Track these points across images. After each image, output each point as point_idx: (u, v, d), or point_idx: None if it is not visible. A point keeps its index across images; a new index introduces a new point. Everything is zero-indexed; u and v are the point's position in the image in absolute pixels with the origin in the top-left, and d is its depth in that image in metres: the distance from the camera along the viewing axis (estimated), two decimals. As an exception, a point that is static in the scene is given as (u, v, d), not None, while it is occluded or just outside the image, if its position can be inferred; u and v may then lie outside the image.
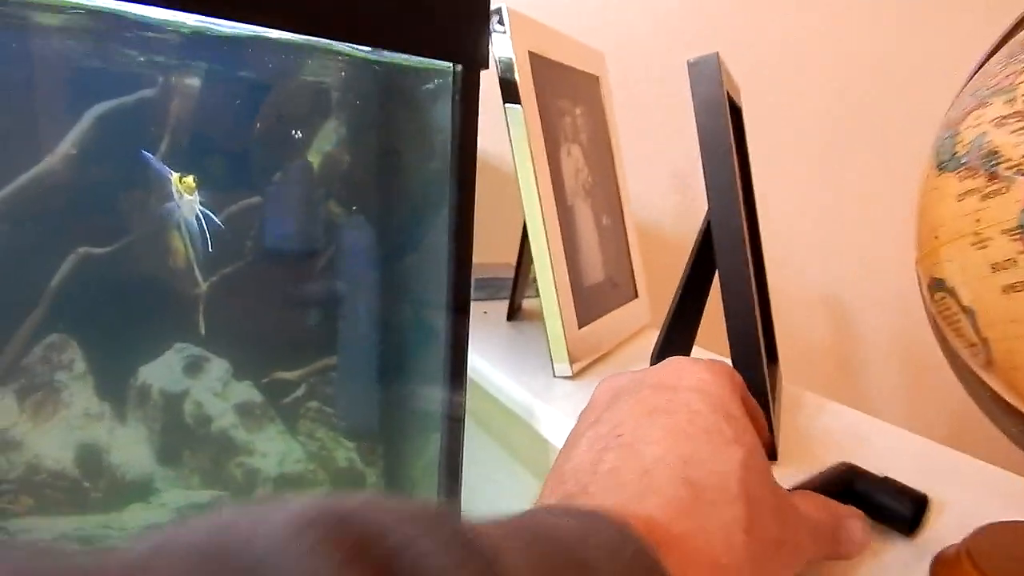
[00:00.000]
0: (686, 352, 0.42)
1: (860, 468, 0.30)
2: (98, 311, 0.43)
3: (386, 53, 0.38)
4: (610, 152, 0.66)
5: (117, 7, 0.31)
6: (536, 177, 0.48)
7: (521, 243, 0.63)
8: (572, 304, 0.50)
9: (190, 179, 0.39)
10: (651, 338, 0.62)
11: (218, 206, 0.46)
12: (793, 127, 1.11)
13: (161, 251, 0.45)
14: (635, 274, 0.66)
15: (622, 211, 0.66)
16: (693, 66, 0.34)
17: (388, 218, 0.50)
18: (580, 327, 0.51)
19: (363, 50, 0.39)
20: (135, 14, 0.33)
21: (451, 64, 0.34)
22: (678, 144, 1.00)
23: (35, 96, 0.38)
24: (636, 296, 0.65)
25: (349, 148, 0.49)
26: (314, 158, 0.49)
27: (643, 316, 0.66)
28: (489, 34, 0.34)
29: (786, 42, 1.07)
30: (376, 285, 0.51)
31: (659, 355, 0.39)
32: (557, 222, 0.50)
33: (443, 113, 0.38)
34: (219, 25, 0.34)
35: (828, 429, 0.44)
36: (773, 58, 1.07)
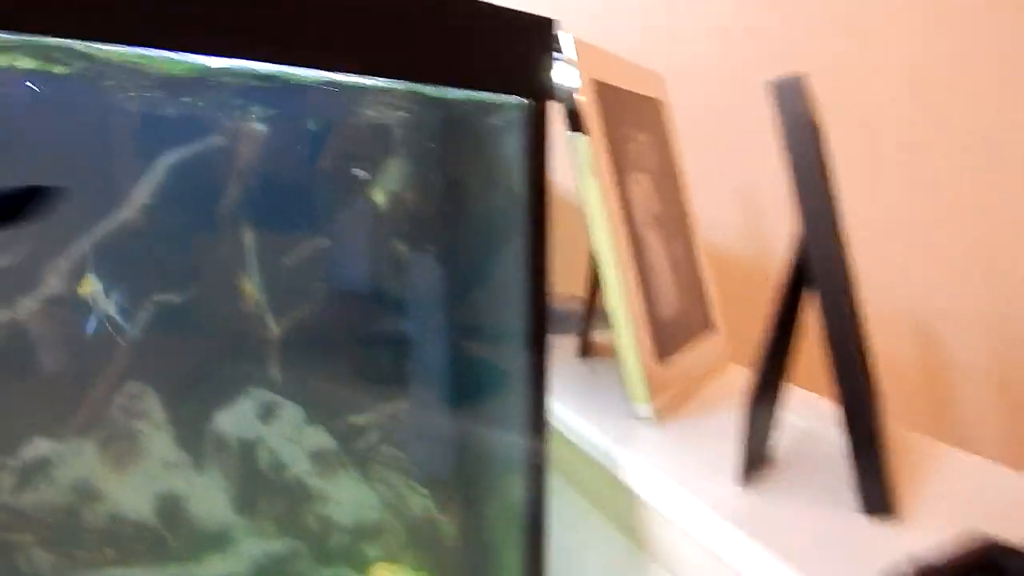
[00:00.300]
0: (778, 392, 0.39)
1: (1005, 543, 0.26)
2: (174, 358, 0.43)
3: (452, 90, 0.38)
4: (676, 178, 0.64)
5: (189, 59, 0.32)
6: (605, 207, 0.47)
7: (590, 275, 0.61)
8: (649, 338, 0.48)
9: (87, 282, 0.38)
10: (733, 374, 0.59)
11: (286, 249, 0.46)
12: (869, 139, 1.06)
13: (233, 296, 0.45)
14: (710, 305, 0.63)
15: (692, 240, 0.64)
16: (777, 87, 0.32)
17: (458, 256, 0.50)
18: (658, 362, 0.49)
19: (429, 88, 0.39)
20: (202, 65, 0.34)
21: (519, 99, 0.33)
22: (740, 162, 0.97)
23: (108, 146, 0.39)
24: (713, 328, 0.63)
25: (416, 186, 0.49)
26: (380, 197, 0.49)
27: (722, 350, 0.63)
28: (554, 66, 0.33)
29: (857, 54, 1.04)
30: (447, 325, 0.50)
31: (754, 396, 0.37)
32: (629, 252, 0.49)
33: (511, 147, 0.37)
34: (287, 71, 0.34)
35: (945, 477, 0.40)
36: (847, 73, 1.03)
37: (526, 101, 0.33)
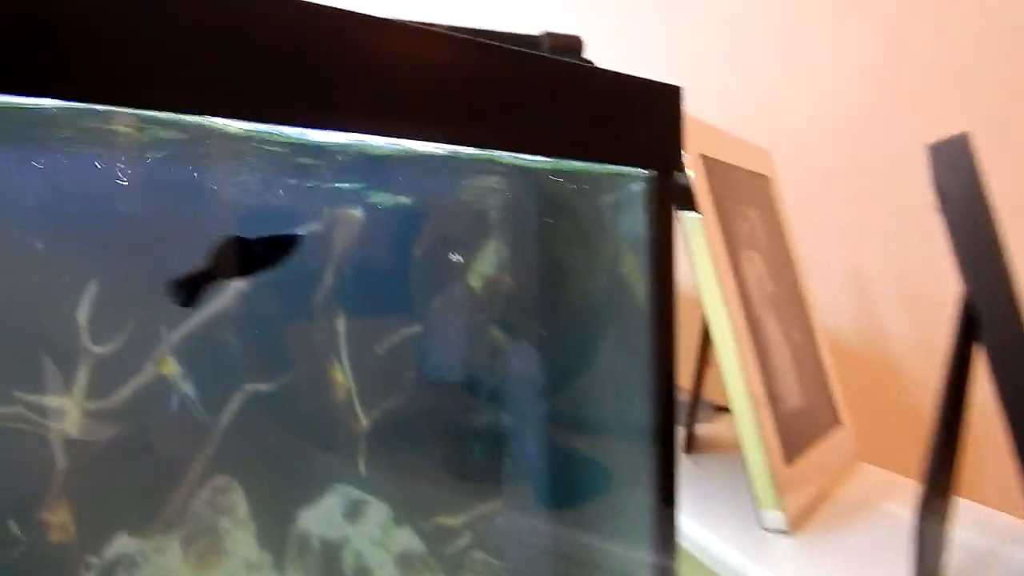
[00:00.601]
0: (949, 504, 0.33)
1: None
2: (260, 450, 0.41)
3: (571, 162, 0.35)
4: (789, 258, 0.60)
5: (281, 133, 0.31)
6: (722, 287, 0.43)
7: (697, 363, 0.57)
8: (775, 433, 0.43)
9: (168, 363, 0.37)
10: (865, 475, 0.52)
11: (378, 336, 0.44)
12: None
13: (324, 385, 0.43)
14: (834, 396, 0.57)
15: (810, 323, 0.59)
16: (936, 151, 0.29)
17: (562, 343, 0.46)
18: (786, 462, 0.44)
19: (539, 160, 0.37)
20: (301, 140, 0.33)
21: (643, 170, 0.31)
22: (853, 242, 0.91)
23: (203, 230, 0.38)
24: (839, 422, 0.56)
25: (516, 269, 0.47)
26: (476, 281, 0.47)
27: (849, 446, 0.56)
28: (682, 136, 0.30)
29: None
30: (548, 418, 0.46)
31: (924, 507, 0.31)
32: (748, 337, 0.44)
33: (627, 223, 0.35)
34: (403, 146, 0.32)
35: None
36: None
37: (650, 172, 0.30)
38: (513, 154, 0.30)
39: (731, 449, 0.58)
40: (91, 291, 0.33)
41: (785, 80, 0.91)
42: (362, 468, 0.43)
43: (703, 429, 0.62)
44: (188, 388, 0.37)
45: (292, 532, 0.42)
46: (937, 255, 0.91)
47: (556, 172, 0.38)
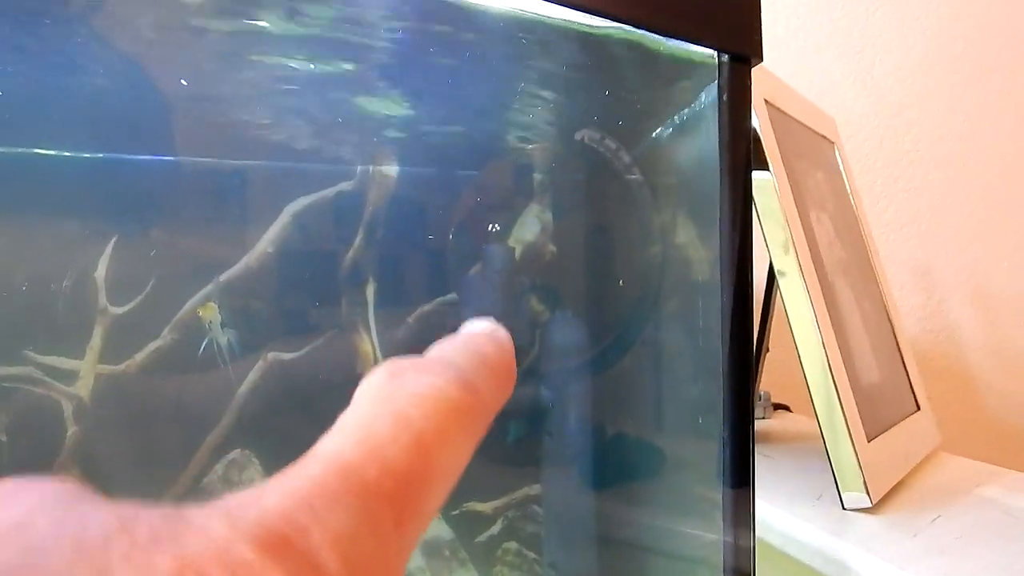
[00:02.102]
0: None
1: None
2: (283, 424, 0.39)
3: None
4: (858, 228, 0.56)
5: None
6: (795, 247, 0.40)
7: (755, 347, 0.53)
8: (856, 411, 0.39)
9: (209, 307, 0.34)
10: (952, 464, 0.47)
11: (409, 305, 0.41)
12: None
13: (349, 355, 0.41)
14: (912, 379, 0.53)
15: (882, 298, 0.55)
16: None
17: (611, 306, 0.43)
18: (868, 443, 0.40)
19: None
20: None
21: (716, 54, 0.27)
22: (919, 236, 0.87)
23: (235, 192, 0.36)
24: (918, 408, 0.52)
25: (558, 228, 0.44)
26: (517, 247, 0.45)
27: (932, 436, 0.52)
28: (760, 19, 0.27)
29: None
30: (594, 395, 0.43)
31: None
32: (824, 304, 0.41)
33: (700, 144, 0.31)
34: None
35: None
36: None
37: (724, 57, 0.27)
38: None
39: (795, 442, 0.54)
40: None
41: (851, 66, 0.87)
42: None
43: (760, 426, 0.58)
44: (221, 339, 0.35)
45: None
46: (1009, 250, 0.86)
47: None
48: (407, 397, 0.12)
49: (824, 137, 0.55)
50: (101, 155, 0.32)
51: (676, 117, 0.35)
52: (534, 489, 0.43)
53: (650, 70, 0.32)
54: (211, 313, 0.31)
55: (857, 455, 0.37)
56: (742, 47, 0.26)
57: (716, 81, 0.27)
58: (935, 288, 0.88)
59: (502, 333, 0.16)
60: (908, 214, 0.87)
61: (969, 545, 0.33)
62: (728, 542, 0.33)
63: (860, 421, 0.39)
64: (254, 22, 0.33)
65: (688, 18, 0.25)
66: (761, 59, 0.27)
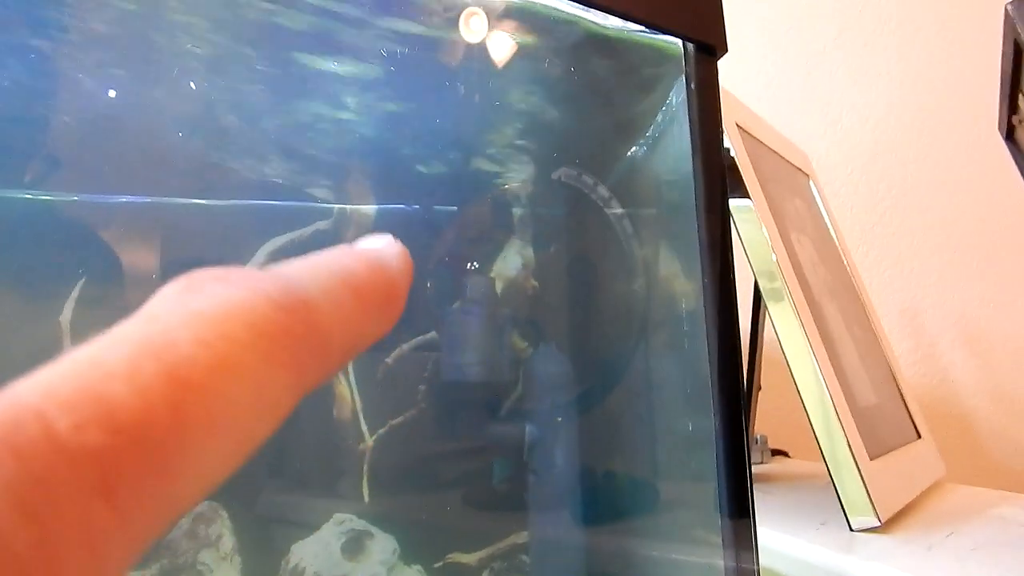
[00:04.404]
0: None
1: None
2: (251, 473, 0.38)
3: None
4: (840, 256, 0.58)
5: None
6: (780, 266, 0.41)
7: (745, 386, 0.53)
8: (856, 429, 0.39)
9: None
10: (963, 493, 0.47)
11: (387, 345, 0.41)
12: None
13: (325, 399, 0.40)
14: (910, 407, 0.53)
15: (872, 324, 0.55)
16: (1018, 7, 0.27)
17: (595, 346, 0.43)
18: (871, 459, 0.39)
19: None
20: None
21: (681, 43, 0.28)
22: (905, 278, 0.89)
23: (208, 231, 0.37)
24: (919, 436, 0.52)
25: (540, 267, 0.45)
26: (498, 283, 0.45)
27: (936, 464, 0.51)
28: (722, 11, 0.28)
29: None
30: (580, 435, 0.43)
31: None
32: (813, 321, 0.41)
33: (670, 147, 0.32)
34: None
35: None
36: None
37: (690, 46, 0.28)
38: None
39: (795, 482, 0.53)
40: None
41: (821, 118, 0.91)
42: (366, 495, 0.39)
43: (758, 470, 0.58)
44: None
45: (284, 569, 0.37)
46: (995, 291, 0.89)
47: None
48: (183, 315, 0.09)
49: (799, 169, 0.58)
50: (75, 197, 0.33)
51: (650, 130, 0.37)
52: (521, 536, 0.42)
53: (620, 64, 0.34)
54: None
55: (860, 472, 0.37)
56: (707, 36, 0.28)
57: (683, 74, 0.28)
58: (924, 331, 0.89)
59: (390, 249, 0.13)
60: (891, 257, 0.90)
61: (988, 556, 0.33)
62: (730, 568, 0.32)
63: (861, 440, 0.39)
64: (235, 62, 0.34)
65: (652, 5, 0.27)
66: (726, 51, 0.29)
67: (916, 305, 0.90)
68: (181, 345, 0.08)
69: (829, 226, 0.59)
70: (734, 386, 0.30)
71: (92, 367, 0.08)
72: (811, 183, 0.60)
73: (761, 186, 0.45)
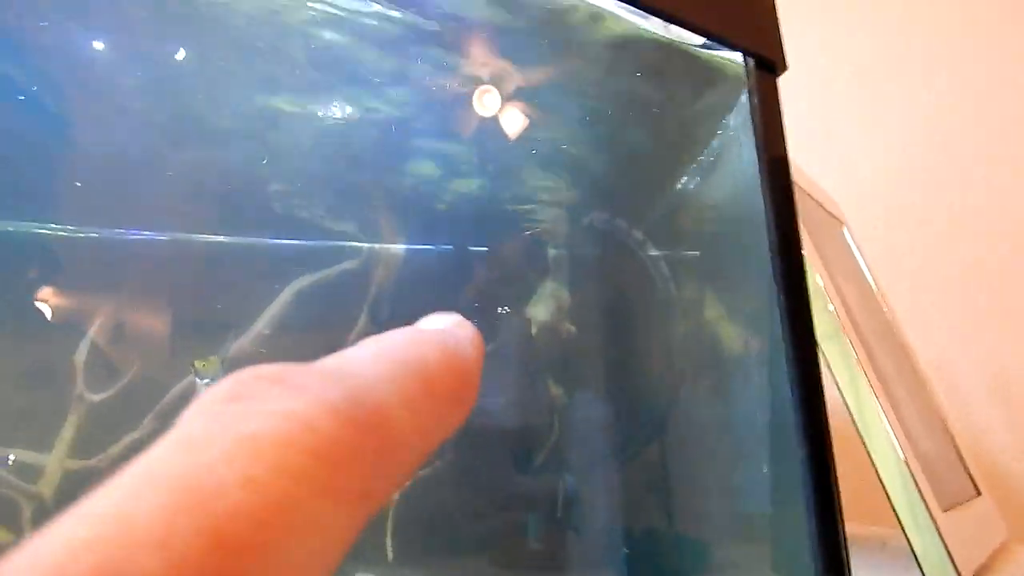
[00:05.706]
0: None
1: None
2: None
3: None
4: (879, 302, 0.56)
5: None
6: (836, 315, 0.39)
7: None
8: (927, 482, 0.37)
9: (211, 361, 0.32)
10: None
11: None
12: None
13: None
14: (965, 459, 0.51)
15: (919, 374, 0.54)
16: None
17: (635, 389, 0.42)
18: (944, 511, 0.37)
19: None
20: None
21: (743, 59, 0.28)
22: (933, 331, 0.88)
23: (234, 270, 0.36)
24: (979, 493, 0.49)
25: (573, 308, 0.43)
26: (532, 327, 0.44)
27: (999, 524, 0.49)
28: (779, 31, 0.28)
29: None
30: (621, 486, 0.40)
31: None
32: (874, 370, 0.40)
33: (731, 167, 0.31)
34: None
35: None
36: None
37: (751, 61, 0.27)
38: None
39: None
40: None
41: (858, 152, 0.92)
42: (389, 551, 0.37)
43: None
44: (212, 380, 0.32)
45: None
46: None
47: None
48: (228, 444, 0.07)
49: (832, 215, 0.57)
50: (96, 233, 0.32)
51: (704, 155, 0.36)
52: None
53: (671, 87, 0.33)
54: (212, 368, 0.29)
55: (935, 523, 0.35)
56: (769, 52, 0.27)
57: (745, 89, 0.28)
58: (958, 385, 0.88)
59: (462, 331, 0.11)
60: (918, 310, 0.89)
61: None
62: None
63: (931, 489, 0.37)
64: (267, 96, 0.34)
65: (714, 16, 0.26)
66: (786, 68, 0.28)
67: (945, 357, 0.88)
68: (227, 490, 0.07)
69: (867, 274, 0.58)
70: (819, 435, 0.28)
71: (119, 528, 0.06)
72: (845, 230, 0.59)
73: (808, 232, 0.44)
